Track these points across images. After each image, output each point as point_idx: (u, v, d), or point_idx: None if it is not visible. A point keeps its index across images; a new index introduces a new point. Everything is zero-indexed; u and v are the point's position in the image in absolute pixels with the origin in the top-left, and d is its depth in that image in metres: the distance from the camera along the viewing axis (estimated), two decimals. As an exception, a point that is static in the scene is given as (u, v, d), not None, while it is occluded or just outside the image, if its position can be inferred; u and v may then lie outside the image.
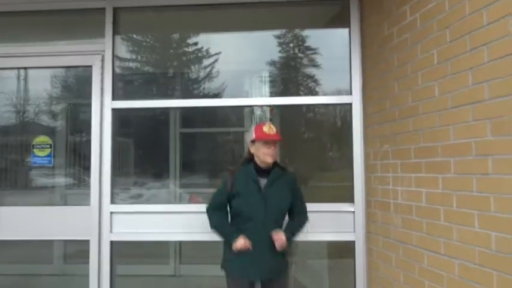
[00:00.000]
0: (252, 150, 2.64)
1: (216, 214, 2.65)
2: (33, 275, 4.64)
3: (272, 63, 3.52)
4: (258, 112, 3.97)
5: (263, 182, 2.58)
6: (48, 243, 4.55)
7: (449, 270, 2.16)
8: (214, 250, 2.80)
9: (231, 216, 2.65)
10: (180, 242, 5.11)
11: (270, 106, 3.29)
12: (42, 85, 3.78)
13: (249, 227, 2.52)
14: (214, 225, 2.64)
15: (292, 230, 2.62)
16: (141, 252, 4.85)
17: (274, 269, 2.58)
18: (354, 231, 3.08)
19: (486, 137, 1.91)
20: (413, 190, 2.48)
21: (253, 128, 2.64)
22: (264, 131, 2.56)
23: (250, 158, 2.66)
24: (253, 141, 2.62)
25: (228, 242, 2.58)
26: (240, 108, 3.95)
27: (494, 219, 1.86)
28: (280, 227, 2.61)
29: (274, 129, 2.58)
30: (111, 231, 3.20)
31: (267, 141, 2.55)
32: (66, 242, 4.62)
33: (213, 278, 3.11)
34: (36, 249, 4.50)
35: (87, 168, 3.27)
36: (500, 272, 1.83)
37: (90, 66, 3.25)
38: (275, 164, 2.66)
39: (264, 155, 2.57)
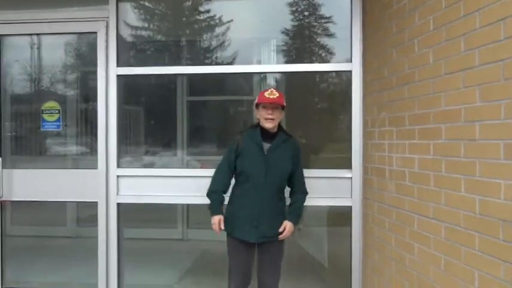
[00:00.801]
0: (257, 114, 2.74)
1: (220, 177, 2.75)
2: (47, 236, 4.88)
3: (274, 30, 3.52)
4: (265, 80, 4.00)
5: (267, 146, 2.67)
6: (62, 207, 4.76)
7: (436, 233, 2.24)
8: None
9: (235, 175, 2.75)
10: (188, 208, 5.27)
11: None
12: (52, 53, 3.86)
13: (250, 187, 2.66)
14: (212, 190, 2.76)
15: (298, 213, 2.80)
16: (151, 217, 5.04)
17: (271, 231, 2.69)
18: (351, 197, 3.16)
19: (475, 103, 1.94)
20: (407, 156, 2.53)
21: (258, 93, 2.73)
22: (264, 95, 2.63)
23: (258, 123, 2.75)
24: (257, 106, 2.72)
25: (229, 203, 2.78)
26: (247, 76, 3.98)
27: (479, 183, 1.92)
28: (279, 191, 2.73)
29: (277, 94, 2.63)
30: (117, 194, 3.34)
31: (265, 105, 2.63)
32: (78, 206, 4.83)
33: (220, 243, 3.24)
34: (51, 212, 4.72)
35: (94, 133, 3.37)
36: (482, 234, 1.90)
37: (95, 33, 3.31)
38: (280, 129, 2.75)
39: (264, 120, 2.65)
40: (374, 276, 2.96)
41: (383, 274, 2.82)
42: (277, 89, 2.71)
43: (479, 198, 1.91)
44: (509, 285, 1.74)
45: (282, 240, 2.77)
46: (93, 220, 3.45)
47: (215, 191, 2.73)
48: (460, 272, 2.04)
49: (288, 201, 2.84)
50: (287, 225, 2.70)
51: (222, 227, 2.69)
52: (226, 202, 2.79)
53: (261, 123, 2.70)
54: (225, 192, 2.75)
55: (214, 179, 2.77)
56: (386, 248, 2.78)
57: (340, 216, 3.49)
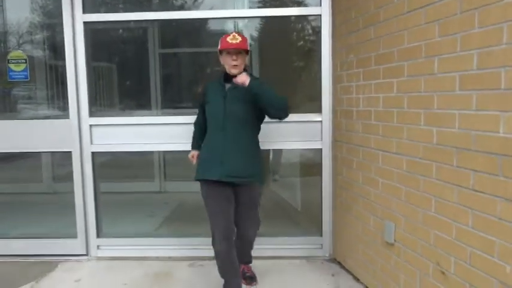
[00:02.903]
0: (221, 61, 2.62)
1: (195, 128, 2.90)
2: (25, 193, 4.90)
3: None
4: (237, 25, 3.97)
5: (228, 85, 2.58)
6: (37, 164, 4.77)
7: (398, 166, 2.37)
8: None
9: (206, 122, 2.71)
10: (165, 161, 5.35)
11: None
12: (20, 7, 3.75)
13: (214, 127, 2.60)
14: (194, 125, 2.92)
15: (261, 82, 2.48)
16: (129, 171, 5.11)
17: (241, 171, 2.55)
18: (321, 140, 3.26)
19: (434, 38, 2.01)
20: (372, 96, 2.62)
21: (220, 39, 2.59)
22: (226, 40, 2.51)
23: (223, 70, 2.64)
24: (220, 52, 2.59)
25: (203, 146, 2.73)
26: (220, 26, 3.95)
27: (436, 115, 2.03)
28: (245, 126, 2.58)
29: (239, 39, 2.50)
30: (91, 143, 3.35)
31: (229, 50, 2.51)
32: (54, 164, 4.85)
33: (196, 194, 3.32)
34: (27, 170, 4.74)
35: (64, 82, 3.33)
36: (438, 163, 2.03)
37: (59, -23, 3.20)
38: (245, 71, 2.58)
39: (228, 66, 2.55)
40: (343, 214, 3.12)
41: (351, 211, 2.98)
42: (240, 33, 2.59)
43: (437, 129, 2.03)
44: (460, 207, 1.89)
45: (255, 186, 2.68)
46: (69, 176, 3.47)
47: (195, 123, 2.90)
48: (419, 200, 2.20)
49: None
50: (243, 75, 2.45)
51: (195, 161, 2.84)
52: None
53: (226, 70, 2.59)
54: (203, 128, 2.77)
55: (194, 130, 2.94)
56: (354, 186, 2.92)
57: (312, 167, 3.60)
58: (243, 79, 2.40)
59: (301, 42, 3.98)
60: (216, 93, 2.62)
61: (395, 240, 2.45)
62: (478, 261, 1.80)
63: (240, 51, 2.52)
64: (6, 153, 3.52)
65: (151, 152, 5.03)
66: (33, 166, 4.79)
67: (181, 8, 3.87)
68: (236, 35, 2.53)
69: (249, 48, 2.59)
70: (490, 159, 1.71)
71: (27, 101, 3.89)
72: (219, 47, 2.57)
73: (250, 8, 3.52)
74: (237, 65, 2.53)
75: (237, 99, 2.54)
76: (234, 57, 2.51)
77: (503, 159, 1.65)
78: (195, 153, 2.85)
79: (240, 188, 2.62)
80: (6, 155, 3.79)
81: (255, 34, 4.13)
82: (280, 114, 2.49)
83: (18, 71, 3.43)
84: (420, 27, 2.10)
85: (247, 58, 2.64)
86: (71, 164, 3.42)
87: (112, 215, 3.78)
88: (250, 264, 3.03)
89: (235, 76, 2.50)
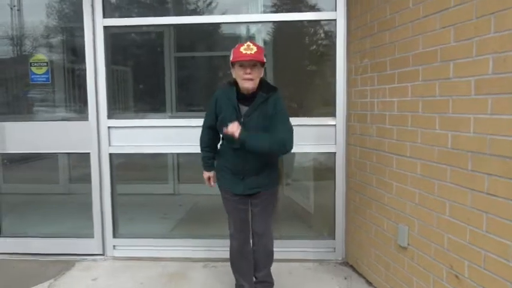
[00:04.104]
0: (233, 74, 2.35)
1: (205, 136, 2.58)
2: (43, 193, 5.01)
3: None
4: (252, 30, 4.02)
5: (244, 109, 2.35)
6: (55, 166, 4.89)
7: (413, 170, 2.38)
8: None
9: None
10: (179, 164, 5.43)
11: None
12: (38, 11, 3.87)
13: (232, 150, 2.42)
14: (200, 147, 2.62)
15: (252, 135, 2.29)
16: (144, 174, 5.19)
17: (259, 182, 2.48)
18: (335, 143, 3.28)
19: (449, 43, 2.03)
20: (387, 100, 2.63)
21: (232, 49, 2.32)
22: (240, 50, 2.22)
23: (235, 82, 2.38)
24: (232, 64, 2.31)
25: (217, 154, 2.61)
26: (235, 30, 4.01)
27: (451, 119, 2.04)
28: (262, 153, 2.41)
29: (255, 49, 2.22)
30: (109, 145, 3.42)
31: (243, 62, 2.23)
32: (70, 166, 4.97)
33: (209, 196, 3.37)
34: (44, 171, 4.85)
35: (83, 84, 3.41)
36: (453, 167, 2.04)
37: (80, -17, 3.29)
38: (262, 85, 2.37)
39: (242, 81, 2.27)
40: (356, 217, 3.13)
41: (364, 214, 2.99)
42: (254, 42, 2.37)
43: (451, 134, 2.04)
44: (475, 211, 1.90)
45: (274, 189, 2.59)
46: (84, 178, 3.54)
47: (202, 149, 2.62)
48: (433, 203, 2.20)
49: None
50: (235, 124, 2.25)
51: (212, 183, 2.62)
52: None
53: (239, 84, 2.32)
54: (212, 147, 2.61)
55: (201, 135, 2.61)
56: (367, 190, 2.94)
57: (325, 170, 3.62)
58: (234, 130, 2.23)
59: (316, 46, 4.02)
60: (229, 114, 2.36)
61: (408, 244, 2.45)
62: (492, 265, 1.81)
63: (255, 63, 2.25)
64: (26, 154, 3.61)
65: (166, 155, 5.12)
66: (51, 167, 4.91)
67: (196, 13, 3.95)
68: (251, 44, 2.25)
69: (265, 60, 2.31)
70: (504, 163, 1.72)
71: (47, 103, 4.00)
72: (231, 58, 2.30)
73: (264, 12, 3.57)
74: (252, 79, 2.26)
75: (255, 130, 2.32)
76: (248, 71, 2.24)
77: (518, 163, 1.66)
78: (210, 175, 2.63)
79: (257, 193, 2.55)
80: (26, 156, 3.89)
81: (269, 38, 4.18)
82: (278, 153, 2.53)
83: (40, 74, 3.53)
84: (435, 32, 2.12)
85: (263, 71, 2.36)
86: (86, 166, 3.49)
87: (128, 216, 3.85)
88: None
89: (250, 96, 2.33)
